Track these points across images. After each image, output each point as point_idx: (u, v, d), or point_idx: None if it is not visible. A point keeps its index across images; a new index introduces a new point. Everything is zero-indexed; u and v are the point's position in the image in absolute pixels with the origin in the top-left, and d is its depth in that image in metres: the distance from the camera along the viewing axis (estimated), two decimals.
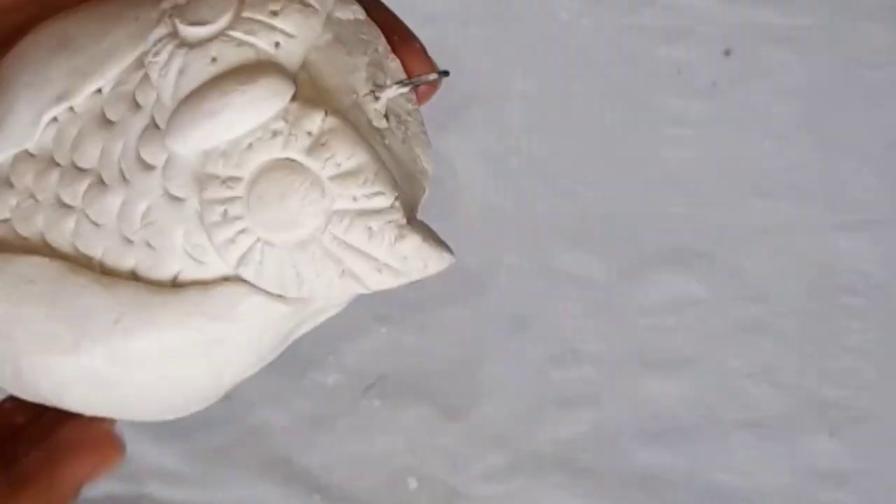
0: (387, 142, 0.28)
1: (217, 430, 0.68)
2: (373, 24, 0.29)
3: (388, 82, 0.29)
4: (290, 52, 0.27)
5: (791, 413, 0.67)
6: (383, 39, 0.29)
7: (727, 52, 0.68)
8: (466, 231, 0.67)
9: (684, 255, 0.68)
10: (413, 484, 0.67)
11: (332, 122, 0.26)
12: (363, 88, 0.28)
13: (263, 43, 0.27)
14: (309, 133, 0.26)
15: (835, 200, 0.68)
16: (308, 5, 0.27)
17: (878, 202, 0.68)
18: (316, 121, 0.26)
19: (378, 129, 0.28)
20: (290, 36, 0.27)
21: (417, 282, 0.28)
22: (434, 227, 0.27)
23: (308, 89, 0.27)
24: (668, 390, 0.67)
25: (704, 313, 0.68)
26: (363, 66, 0.28)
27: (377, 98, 0.28)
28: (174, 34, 0.27)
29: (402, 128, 0.29)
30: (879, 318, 0.68)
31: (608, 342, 0.68)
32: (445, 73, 0.29)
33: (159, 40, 0.28)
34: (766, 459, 0.67)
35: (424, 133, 0.30)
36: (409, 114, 0.30)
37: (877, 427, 0.67)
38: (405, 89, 0.29)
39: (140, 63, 0.28)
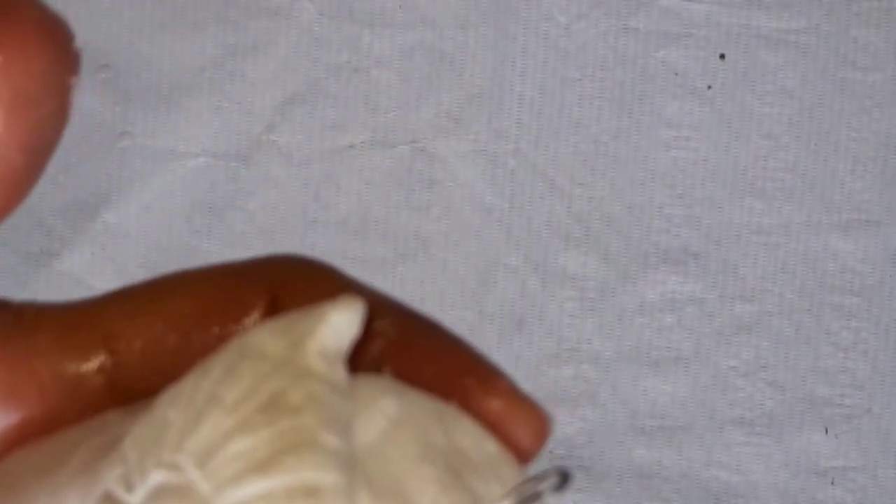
0: None
1: None
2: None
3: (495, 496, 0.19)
4: None
5: (786, 410, 0.68)
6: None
7: (722, 56, 0.69)
8: (465, 231, 0.68)
9: (680, 254, 0.68)
10: None
11: None
12: None
13: None
14: None
15: (828, 201, 0.69)
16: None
17: (871, 202, 0.68)
18: None
19: None
20: None
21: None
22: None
23: None
24: (665, 388, 0.68)
25: (700, 312, 0.68)
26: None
27: None
28: None
29: None
30: (872, 316, 0.68)
31: (605, 341, 0.68)
32: (564, 478, 0.18)
33: None
34: (761, 456, 0.68)
35: None
36: None
37: (871, 424, 0.68)
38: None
39: None
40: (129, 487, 0.18)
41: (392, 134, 0.69)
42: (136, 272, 0.68)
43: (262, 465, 0.17)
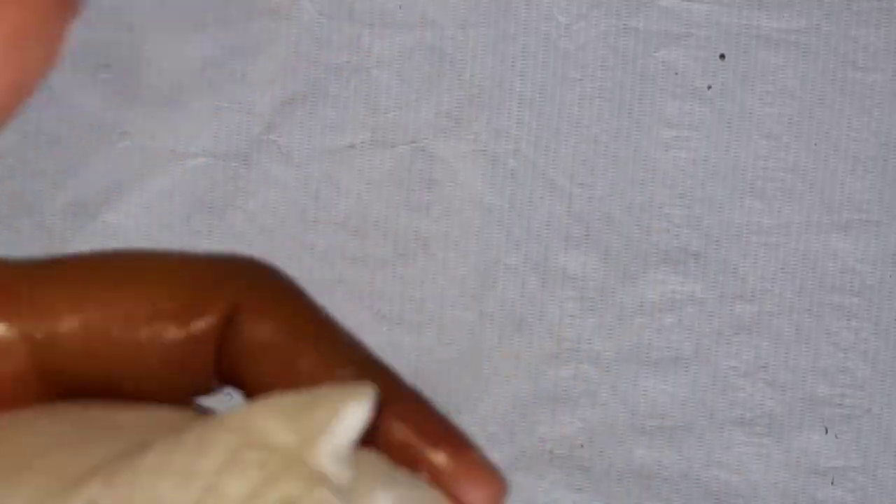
0: None
1: None
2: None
3: None
4: None
5: (786, 410, 0.68)
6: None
7: (722, 56, 0.69)
8: (466, 231, 0.68)
9: (680, 254, 0.68)
10: None
11: None
12: None
13: None
14: None
15: (828, 201, 0.69)
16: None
17: (871, 202, 0.68)
18: None
19: None
20: None
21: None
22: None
23: None
24: (665, 388, 0.68)
25: (700, 312, 0.68)
26: None
27: None
28: None
29: None
30: (872, 316, 0.68)
31: (605, 341, 0.68)
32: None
33: None
34: (761, 456, 0.68)
35: None
36: None
37: (870, 423, 0.68)
38: None
39: None
40: None
41: (392, 134, 0.69)
42: None
43: None
